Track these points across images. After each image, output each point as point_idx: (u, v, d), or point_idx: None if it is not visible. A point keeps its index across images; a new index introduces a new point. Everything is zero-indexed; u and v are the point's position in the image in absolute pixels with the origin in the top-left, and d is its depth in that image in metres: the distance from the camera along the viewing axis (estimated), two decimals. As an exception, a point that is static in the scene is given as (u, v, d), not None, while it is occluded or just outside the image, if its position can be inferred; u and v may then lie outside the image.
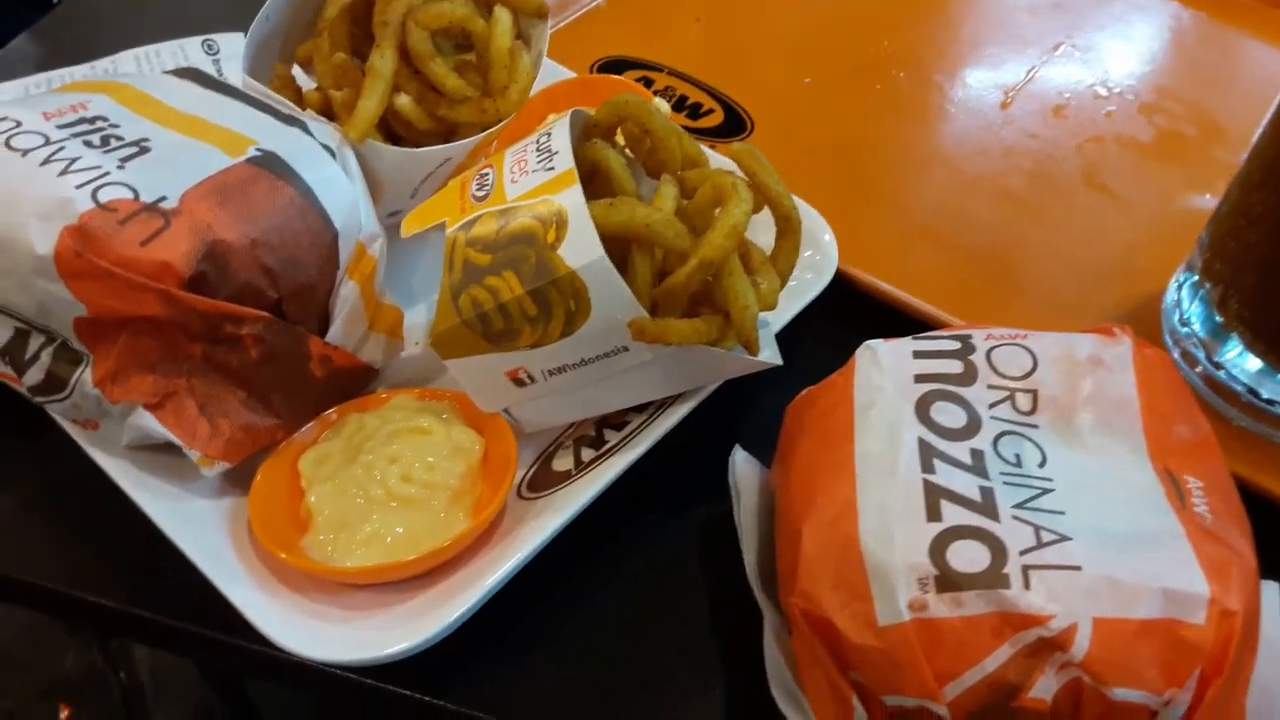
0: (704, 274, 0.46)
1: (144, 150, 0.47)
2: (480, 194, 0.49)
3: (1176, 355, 0.59)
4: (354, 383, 0.53)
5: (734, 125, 0.75)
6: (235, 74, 0.74)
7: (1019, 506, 0.40)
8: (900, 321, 0.61)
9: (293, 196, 0.47)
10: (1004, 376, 0.45)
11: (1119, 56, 0.82)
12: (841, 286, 0.61)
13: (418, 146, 0.55)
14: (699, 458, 0.54)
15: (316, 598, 0.47)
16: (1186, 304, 0.60)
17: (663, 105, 0.74)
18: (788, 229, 0.51)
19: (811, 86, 0.79)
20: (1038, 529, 0.39)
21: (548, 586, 0.50)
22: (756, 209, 0.49)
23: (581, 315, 0.46)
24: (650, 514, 0.53)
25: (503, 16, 0.55)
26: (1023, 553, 0.38)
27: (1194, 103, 0.78)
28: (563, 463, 0.52)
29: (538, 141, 0.50)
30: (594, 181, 0.51)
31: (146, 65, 0.74)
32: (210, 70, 0.74)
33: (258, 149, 0.48)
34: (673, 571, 0.51)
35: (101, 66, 0.74)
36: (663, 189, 0.49)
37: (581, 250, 0.45)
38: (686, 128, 0.59)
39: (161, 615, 0.50)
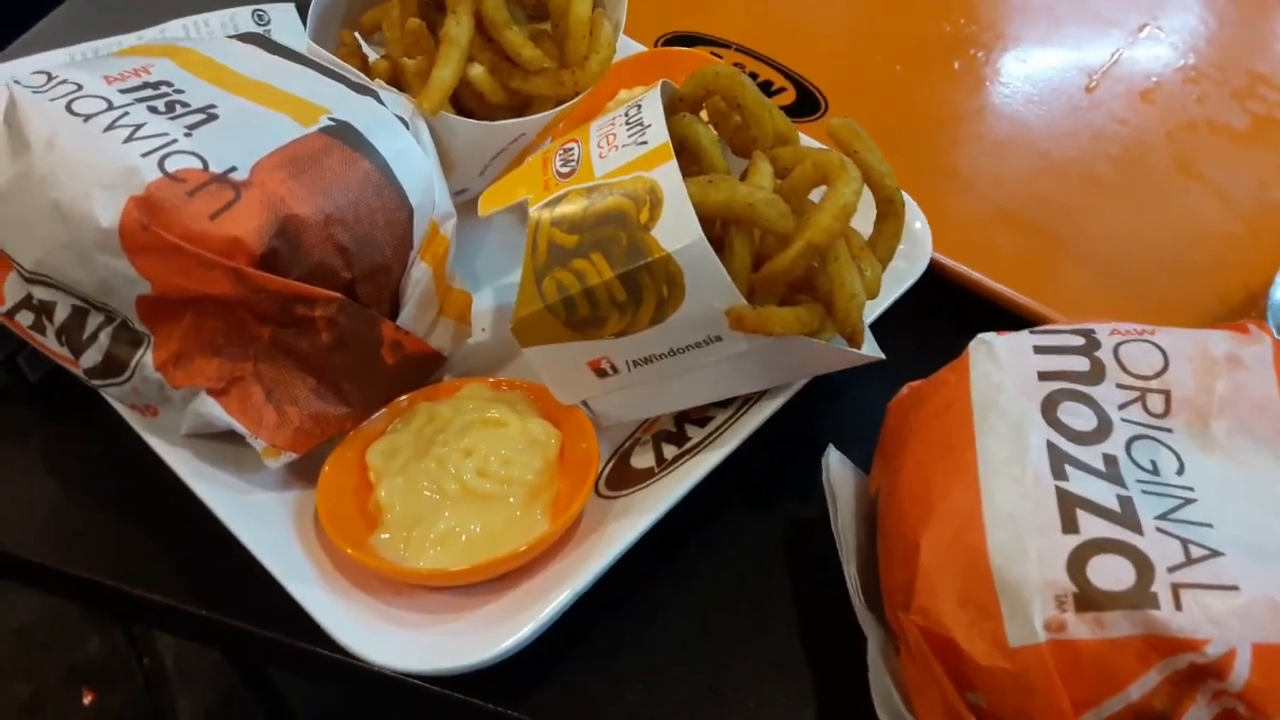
0: (809, 259, 0.43)
1: (211, 117, 0.43)
2: (565, 170, 0.45)
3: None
4: (423, 370, 0.50)
5: (807, 104, 0.72)
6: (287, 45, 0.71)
7: (1162, 518, 0.37)
8: (988, 310, 0.58)
9: (368, 170, 0.44)
10: (1134, 375, 0.42)
11: (1206, 39, 0.78)
12: (926, 273, 0.57)
13: (490, 120, 0.52)
14: (783, 455, 0.51)
15: (387, 599, 0.44)
16: (1300, 301, 0.56)
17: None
18: (890, 212, 0.48)
19: (885, 65, 0.75)
20: (1185, 543, 0.36)
21: (625, 591, 0.47)
22: (858, 190, 0.46)
23: (674, 302, 0.43)
24: (733, 515, 0.50)
25: (582, -17, 0.51)
26: (1171, 570, 0.35)
27: (1290, 88, 0.74)
28: (643, 459, 0.49)
29: (626, 114, 0.46)
30: (680, 158, 0.47)
31: (196, 35, 0.71)
32: (262, 40, 0.71)
33: (330, 118, 0.45)
34: (760, 579, 0.48)
35: (148, 36, 0.71)
36: (759, 166, 0.46)
37: (678, 231, 0.42)
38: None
39: (214, 612, 0.47)
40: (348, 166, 0.44)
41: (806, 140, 0.57)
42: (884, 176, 0.47)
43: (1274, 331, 0.58)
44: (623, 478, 0.48)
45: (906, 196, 0.57)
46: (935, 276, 0.58)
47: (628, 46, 0.68)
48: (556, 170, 0.46)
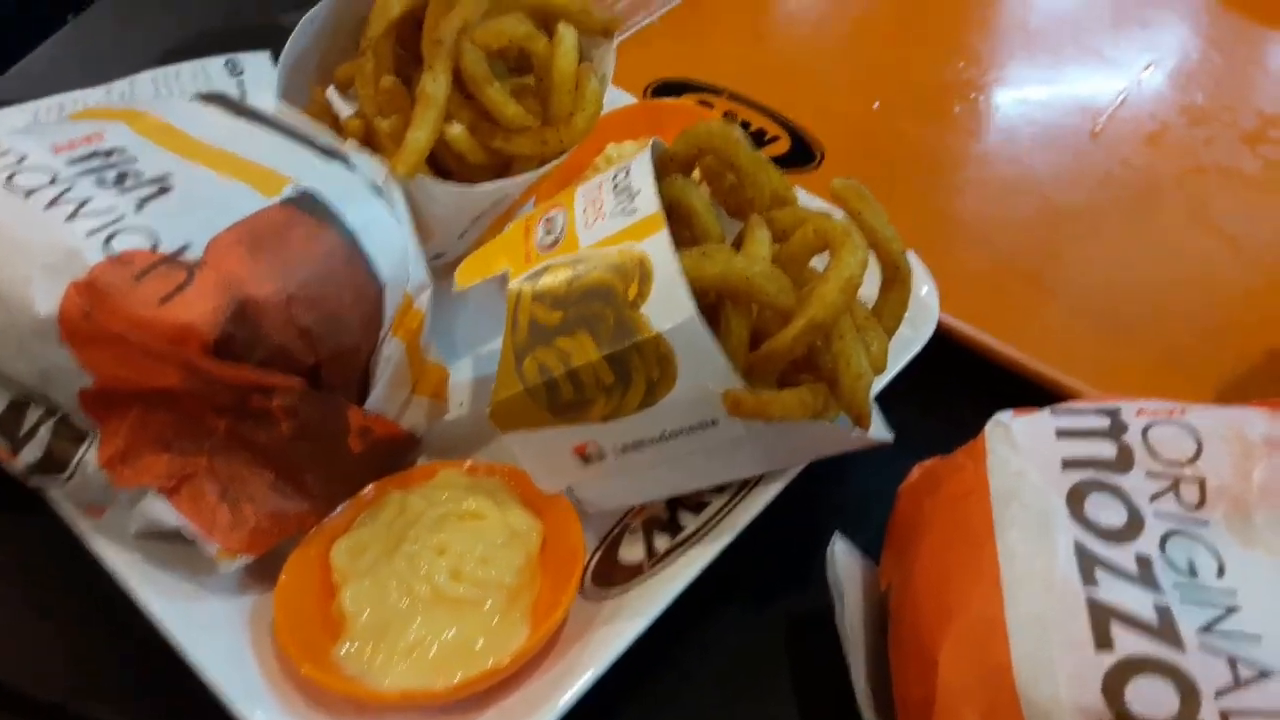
0: (812, 337, 0.39)
1: (165, 190, 0.40)
2: (548, 240, 0.42)
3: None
4: (394, 454, 0.46)
5: (802, 154, 0.69)
6: (261, 97, 0.68)
7: (1205, 631, 0.34)
8: (998, 373, 0.55)
9: (335, 244, 0.41)
10: (1165, 461, 0.39)
11: (1213, 78, 0.76)
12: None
13: (468, 181, 0.49)
14: (784, 542, 0.47)
15: None
16: (1328, 362, 0.53)
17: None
18: (896, 279, 0.45)
19: (883, 111, 0.73)
20: (1233, 662, 0.33)
21: (613, 695, 0.42)
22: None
23: (665, 384, 0.40)
24: (730, 608, 0.46)
25: (567, 36, 0.49)
26: (1219, 694, 0.32)
27: (1301, 132, 0.71)
28: (632, 552, 0.45)
29: (614, 179, 0.43)
30: (671, 223, 0.44)
31: (165, 88, 0.68)
32: (234, 93, 0.68)
33: (295, 188, 0.42)
34: (760, 679, 0.44)
35: (118, 90, 0.68)
36: (755, 233, 0.43)
37: (670, 309, 0.38)
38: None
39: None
40: (312, 241, 0.40)
41: (803, 196, 0.54)
42: (889, 241, 0.44)
43: (1301, 394, 0.55)
44: (611, 572, 0.44)
45: (913, 259, 0.53)
46: (942, 337, 0.55)
47: (616, 98, 0.65)
48: (538, 240, 0.43)
